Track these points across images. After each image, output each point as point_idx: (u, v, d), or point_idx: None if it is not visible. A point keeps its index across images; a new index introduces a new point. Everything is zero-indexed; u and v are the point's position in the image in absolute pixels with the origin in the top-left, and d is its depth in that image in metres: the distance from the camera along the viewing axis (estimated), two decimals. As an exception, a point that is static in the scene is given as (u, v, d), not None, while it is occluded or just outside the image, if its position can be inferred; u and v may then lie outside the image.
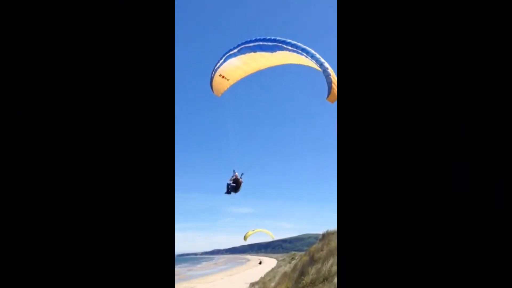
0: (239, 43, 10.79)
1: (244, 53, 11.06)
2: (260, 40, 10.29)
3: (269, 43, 10.00)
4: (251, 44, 10.59)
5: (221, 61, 11.73)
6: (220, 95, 12.91)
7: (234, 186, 13.07)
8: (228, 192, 13.08)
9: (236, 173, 13.59)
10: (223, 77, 12.37)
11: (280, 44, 9.62)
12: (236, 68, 12.00)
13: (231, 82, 12.69)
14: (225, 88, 12.83)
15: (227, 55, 11.33)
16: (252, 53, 10.96)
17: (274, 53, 10.50)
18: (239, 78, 12.64)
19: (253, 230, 28.30)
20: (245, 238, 28.05)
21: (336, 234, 21.50)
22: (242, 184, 13.02)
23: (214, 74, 12.16)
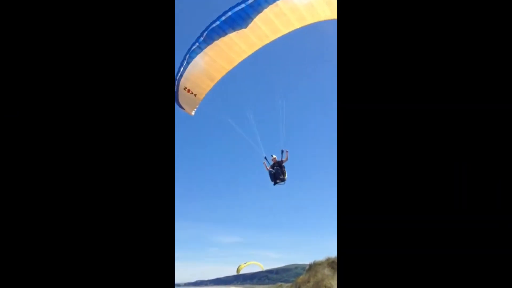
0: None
1: (210, 42, 8.64)
2: (228, 10, 8.07)
3: (242, 5, 7.79)
4: (218, 23, 8.29)
5: (182, 67, 9.07)
6: (193, 112, 9.91)
7: (280, 171, 9.47)
8: (275, 181, 9.43)
9: (274, 156, 10.03)
10: (188, 90, 9.58)
11: (260, -5, 7.47)
12: (202, 73, 9.40)
13: (200, 95, 9.92)
14: (197, 105, 9.95)
15: (190, 51, 8.78)
16: (220, 39, 8.60)
17: (250, 25, 8.28)
18: (208, 89, 9.96)
19: (245, 263, 27.86)
20: (238, 271, 27.48)
21: (322, 265, 22.02)
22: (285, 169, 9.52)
23: (178, 87, 9.34)
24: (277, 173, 9.57)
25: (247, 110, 9.93)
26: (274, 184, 9.62)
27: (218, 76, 9.72)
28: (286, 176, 9.62)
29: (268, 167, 9.96)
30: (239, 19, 8.16)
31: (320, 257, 23.34)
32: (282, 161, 9.91)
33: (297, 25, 8.34)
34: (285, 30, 8.60)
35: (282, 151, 9.98)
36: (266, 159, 10.13)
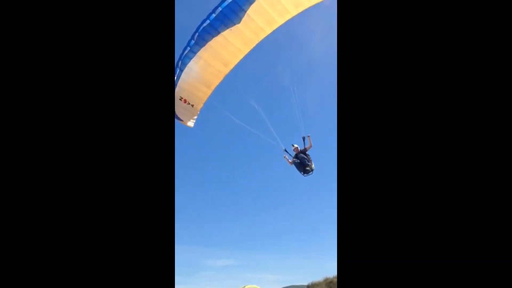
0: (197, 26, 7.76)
1: (202, 44, 8.01)
2: (218, 5, 7.48)
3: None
4: (209, 21, 7.68)
5: (176, 75, 8.38)
6: (192, 124, 9.11)
7: (306, 159, 8.50)
8: (305, 170, 8.45)
9: (296, 145, 9.02)
10: (184, 101, 8.85)
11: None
12: (198, 79, 8.71)
13: (198, 105, 9.18)
14: (195, 116, 9.18)
15: (182, 56, 8.11)
16: (213, 40, 7.97)
17: (244, 19, 7.69)
18: (206, 97, 9.24)
19: (243, 287, 27.12)
20: (235, 296, 27.27)
21: (320, 285, 22.31)
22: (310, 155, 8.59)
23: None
24: (303, 161, 8.61)
25: (254, 103, 9.10)
26: (304, 174, 8.66)
27: (215, 81, 9.04)
28: (313, 165, 8.69)
29: (290, 160, 9.04)
30: (231, 14, 7.57)
31: (318, 277, 23.92)
32: (305, 149, 8.97)
33: (293, 11, 7.76)
34: (281, 20, 8.01)
35: (304, 138, 9.00)
36: (287, 151, 9.19)
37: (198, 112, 9.21)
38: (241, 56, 8.76)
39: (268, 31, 8.26)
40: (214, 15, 7.58)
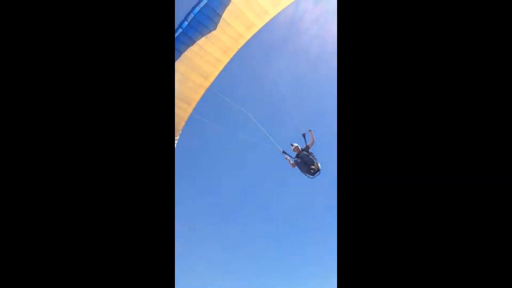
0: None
1: (177, 55, 7.28)
2: (190, 11, 6.83)
3: (205, 0, 6.56)
4: (181, 30, 7.00)
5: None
6: (174, 145, 8.26)
7: (309, 157, 7.54)
8: (309, 170, 7.46)
9: (295, 144, 8.03)
10: (164, 121, 8.03)
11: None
12: (176, 96, 7.94)
13: (179, 125, 8.37)
14: (177, 136, 8.34)
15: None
16: (189, 50, 7.28)
17: (220, 24, 7.03)
18: (187, 115, 8.44)
19: None
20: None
21: None
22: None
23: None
24: (306, 159, 7.67)
25: (244, 107, 8.30)
26: (310, 176, 7.68)
27: (196, 97, 8.29)
28: (319, 164, 7.76)
29: (291, 162, 8.13)
30: (205, 20, 6.91)
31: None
32: (307, 147, 8.07)
33: (272, 11, 7.15)
34: (260, 23, 7.38)
35: (304, 134, 8.06)
36: (286, 153, 8.23)
37: (180, 132, 8.40)
38: (221, 67, 8.07)
39: (248, 36, 7.62)
40: (186, 22, 6.91)
